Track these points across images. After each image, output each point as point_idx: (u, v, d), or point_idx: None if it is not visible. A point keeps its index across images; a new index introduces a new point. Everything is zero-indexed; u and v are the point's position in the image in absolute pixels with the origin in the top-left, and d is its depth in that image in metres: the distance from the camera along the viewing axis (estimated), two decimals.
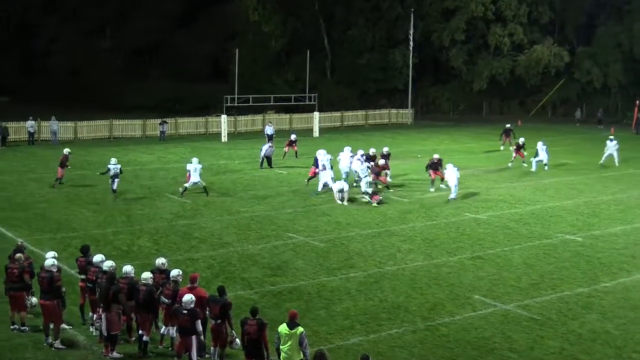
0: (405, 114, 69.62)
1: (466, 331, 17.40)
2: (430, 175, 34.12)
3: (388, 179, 35.15)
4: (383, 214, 29.40)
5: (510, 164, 41.43)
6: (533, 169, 39.91)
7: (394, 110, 69.97)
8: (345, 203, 30.68)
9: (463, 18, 73.04)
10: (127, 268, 16.46)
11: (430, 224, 27.76)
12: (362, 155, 35.02)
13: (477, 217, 28.99)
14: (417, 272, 21.88)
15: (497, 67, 73.41)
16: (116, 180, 32.15)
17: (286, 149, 43.24)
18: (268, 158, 40.31)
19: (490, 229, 27.17)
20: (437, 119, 71.63)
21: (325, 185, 32.91)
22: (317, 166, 34.03)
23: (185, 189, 32.32)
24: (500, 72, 73.49)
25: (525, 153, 41.11)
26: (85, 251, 17.91)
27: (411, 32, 69.11)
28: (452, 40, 74.13)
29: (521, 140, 41.85)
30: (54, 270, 16.50)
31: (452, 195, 32.04)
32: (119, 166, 32.52)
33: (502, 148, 48.37)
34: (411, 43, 69.46)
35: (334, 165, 34.88)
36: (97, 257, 16.99)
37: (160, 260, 17.10)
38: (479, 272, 21.86)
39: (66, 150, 35.62)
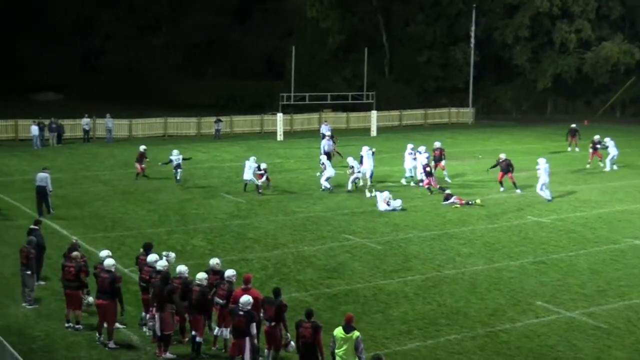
0: (466, 113, 68.98)
1: (528, 338, 17.17)
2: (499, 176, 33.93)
3: (447, 179, 35.24)
4: (442, 216, 29.21)
5: (588, 165, 40.85)
6: (607, 168, 39.50)
7: (454, 109, 69.40)
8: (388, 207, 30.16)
9: (527, 14, 72.02)
10: (182, 268, 16.66)
11: (492, 227, 27.48)
12: (416, 152, 35.22)
13: (540, 220, 28.60)
14: (477, 276, 21.68)
15: (563, 64, 72.23)
16: (179, 170, 34.79)
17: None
18: (328, 155, 40.45)
19: (554, 232, 26.77)
20: (499, 118, 70.87)
21: (328, 179, 33.73)
22: (361, 163, 34.79)
23: (257, 185, 33.12)
24: (565, 70, 72.29)
25: (606, 145, 40.53)
26: (148, 249, 18.12)
27: (473, 28, 68.38)
28: (515, 37, 73.17)
29: (596, 137, 41.15)
30: (113, 269, 16.80)
31: (548, 197, 31.78)
32: (180, 157, 35.06)
33: (569, 149, 47.67)
34: (472, 40, 68.73)
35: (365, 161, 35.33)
36: (152, 257, 17.20)
37: (215, 261, 17.26)
38: (542, 278, 21.56)
39: (142, 147, 37.19)
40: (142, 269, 17.45)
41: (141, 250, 18.42)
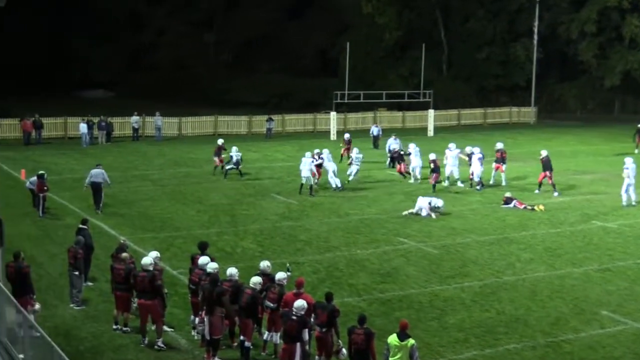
0: (528, 113, 68.29)
1: (592, 350, 16.91)
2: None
3: (503, 182, 35.27)
4: (502, 219, 28.94)
5: None
6: None
7: (515, 109, 68.75)
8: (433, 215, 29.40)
9: (594, 8, 70.90)
10: (232, 270, 16.74)
11: (554, 232, 27.14)
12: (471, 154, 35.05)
13: (606, 225, 28.14)
14: (538, 283, 21.43)
15: (633, 61, 70.85)
16: (239, 167, 36.69)
17: (344, 152, 42.46)
18: (398, 154, 39.97)
19: (621, 238, 26.32)
20: (563, 118, 69.92)
21: (331, 177, 33.89)
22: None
23: (310, 187, 33.01)
24: (635, 67, 70.90)
25: None
26: (203, 249, 18.26)
27: (536, 24, 67.66)
28: (581, 33, 72.08)
29: None
30: (152, 268, 17.00)
31: (633, 200, 31.27)
32: (240, 154, 36.98)
33: (636, 151, 46.80)
34: (535, 36, 68.03)
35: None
36: (203, 260, 17.30)
37: (265, 264, 17.30)
38: (608, 286, 21.22)
39: (220, 141, 39.04)
40: (192, 271, 17.62)
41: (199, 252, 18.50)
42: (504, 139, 45.45)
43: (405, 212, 29.47)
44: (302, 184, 33.22)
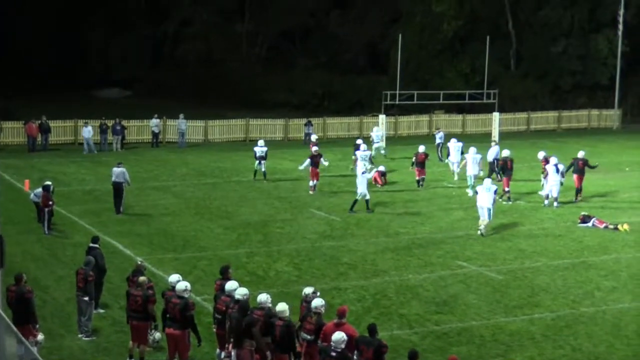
0: (610, 116, 67.75)
1: None
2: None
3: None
4: (579, 241, 28.73)
5: None
6: None
7: (595, 111, 68.25)
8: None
9: None
10: (263, 297, 16.74)
11: None
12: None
13: None
14: (623, 316, 21.27)
15: None
16: (262, 162, 38.61)
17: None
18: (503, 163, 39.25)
19: None
20: None
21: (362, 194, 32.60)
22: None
23: (367, 201, 32.69)
24: None
25: None
26: (224, 272, 18.43)
27: (621, 12, 67.11)
28: None
29: None
30: (186, 295, 17.10)
31: None
32: (265, 149, 38.83)
33: None
34: (620, 27, 67.47)
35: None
36: (230, 285, 17.36)
37: (309, 290, 17.24)
38: None
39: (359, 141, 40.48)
40: (217, 298, 17.68)
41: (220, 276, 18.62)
42: (582, 147, 45.01)
43: (481, 229, 29.20)
44: (356, 200, 32.70)
